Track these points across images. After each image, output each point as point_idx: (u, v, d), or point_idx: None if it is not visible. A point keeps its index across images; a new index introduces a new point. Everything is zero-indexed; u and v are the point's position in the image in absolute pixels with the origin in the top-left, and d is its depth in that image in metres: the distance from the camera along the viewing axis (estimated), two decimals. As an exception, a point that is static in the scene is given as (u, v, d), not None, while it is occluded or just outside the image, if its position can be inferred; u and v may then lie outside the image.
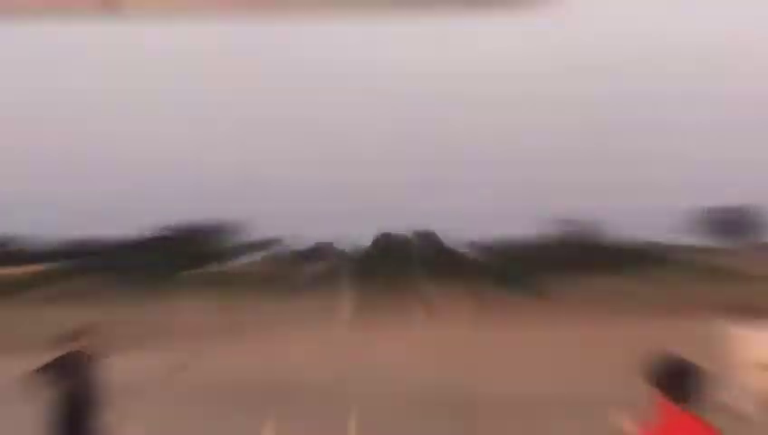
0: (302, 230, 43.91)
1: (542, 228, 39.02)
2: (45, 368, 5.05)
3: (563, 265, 30.64)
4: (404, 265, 35.74)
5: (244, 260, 41.23)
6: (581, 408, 8.72)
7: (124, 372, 7.21)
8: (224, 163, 60.45)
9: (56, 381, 4.98)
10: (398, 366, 13.23)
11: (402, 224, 47.35)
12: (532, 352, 15.17)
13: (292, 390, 10.67)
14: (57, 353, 5.22)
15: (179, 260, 35.96)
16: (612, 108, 55.83)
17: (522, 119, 57.68)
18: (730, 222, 43.01)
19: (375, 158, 57.52)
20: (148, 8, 1.61)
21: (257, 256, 41.92)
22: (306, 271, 36.77)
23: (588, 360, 13.07)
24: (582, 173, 49.21)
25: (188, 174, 56.43)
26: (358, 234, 42.49)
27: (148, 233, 41.71)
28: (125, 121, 61.40)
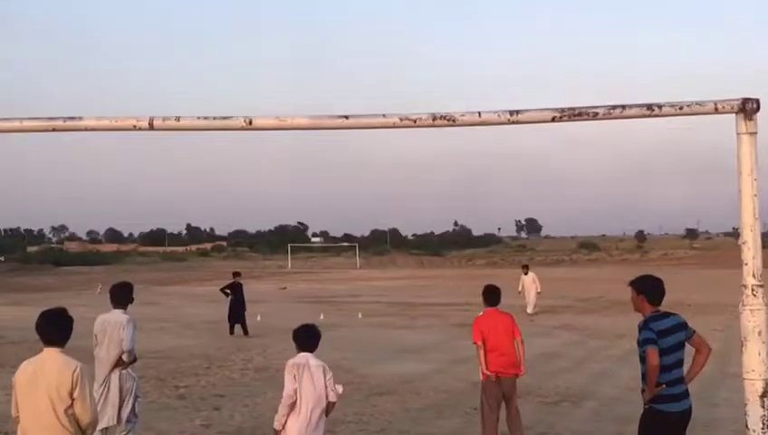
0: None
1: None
2: (225, 287, 23.65)
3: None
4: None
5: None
6: (454, 306, 28.29)
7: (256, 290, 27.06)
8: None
9: (228, 292, 23.41)
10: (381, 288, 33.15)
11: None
12: (438, 283, 37.80)
13: (332, 296, 30.75)
14: (228, 282, 23.85)
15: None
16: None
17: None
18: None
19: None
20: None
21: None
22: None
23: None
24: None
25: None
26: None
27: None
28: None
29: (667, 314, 5.95)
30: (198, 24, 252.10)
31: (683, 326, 5.94)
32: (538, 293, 25.70)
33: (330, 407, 6.10)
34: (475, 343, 8.50)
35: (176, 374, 13.75)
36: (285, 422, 6.01)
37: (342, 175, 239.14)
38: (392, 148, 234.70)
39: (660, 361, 5.72)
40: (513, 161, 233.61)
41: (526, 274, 26.25)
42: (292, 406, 5.98)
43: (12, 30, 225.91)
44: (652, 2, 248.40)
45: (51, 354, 4.84)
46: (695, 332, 6.00)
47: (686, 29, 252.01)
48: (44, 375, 4.76)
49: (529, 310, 24.94)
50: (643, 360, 5.82)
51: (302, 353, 6.13)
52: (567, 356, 15.99)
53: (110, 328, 7.41)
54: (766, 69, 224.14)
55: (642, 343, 5.81)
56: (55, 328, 4.91)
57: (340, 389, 6.16)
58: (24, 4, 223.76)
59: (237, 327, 20.34)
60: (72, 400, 4.73)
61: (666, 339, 5.78)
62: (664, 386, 5.74)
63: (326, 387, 6.01)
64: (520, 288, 25.79)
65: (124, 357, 7.39)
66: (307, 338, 6.20)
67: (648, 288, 6.02)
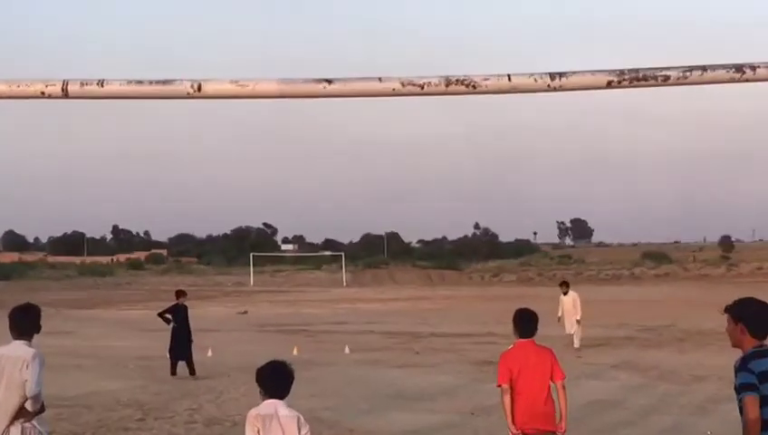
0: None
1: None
2: (165, 311, 23.72)
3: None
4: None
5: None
6: (474, 338, 28.41)
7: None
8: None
9: (169, 319, 23.56)
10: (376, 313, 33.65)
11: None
12: (453, 305, 39.53)
13: (309, 323, 31.12)
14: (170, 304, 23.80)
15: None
16: None
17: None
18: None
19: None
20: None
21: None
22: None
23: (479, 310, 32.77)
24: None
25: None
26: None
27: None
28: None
29: None
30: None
31: None
32: (577, 320, 25.62)
33: None
34: (499, 385, 8.50)
35: (98, 429, 13.75)
36: None
37: (324, 162, 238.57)
38: (392, 126, 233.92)
39: (763, 412, 5.69)
40: (555, 144, 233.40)
41: (566, 293, 26.22)
42: None
43: None
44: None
45: None
46: None
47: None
48: None
49: (576, 344, 24.92)
50: (742, 411, 5.79)
51: (270, 401, 6.15)
52: (627, 405, 16.01)
53: (9, 366, 7.38)
54: None
55: (739, 390, 5.78)
56: None
57: None
58: None
59: (181, 365, 20.33)
60: None
61: None
62: None
63: None
64: (560, 313, 25.78)
65: (28, 405, 7.36)
66: (276, 380, 6.21)
67: (751, 315, 5.97)
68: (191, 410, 15.53)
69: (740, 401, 5.75)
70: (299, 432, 6.05)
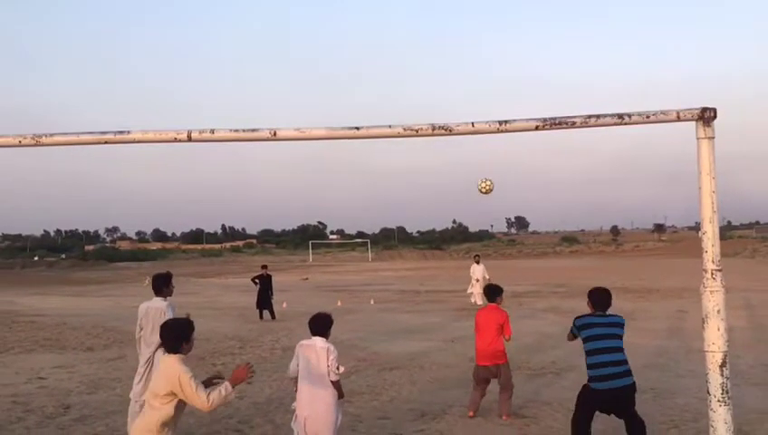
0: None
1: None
2: (255, 277, 23.84)
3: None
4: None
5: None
6: (453, 293, 28.31)
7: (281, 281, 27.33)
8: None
9: (257, 282, 23.58)
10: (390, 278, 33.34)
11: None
12: (440, 273, 39.55)
13: (348, 285, 30.87)
14: (257, 273, 24.05)
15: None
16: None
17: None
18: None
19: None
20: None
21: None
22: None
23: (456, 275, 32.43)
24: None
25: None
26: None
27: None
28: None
29: None
30: (228, 54, 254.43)
31: None
32: (485, 278, 22.13)
33: (334, 385, 5.91)
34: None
35: (213, 353, 13.80)
36: (296, 391, 5.98)
37: (356, 181, 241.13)
38: (399, 158, 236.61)
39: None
40: (504, 167, 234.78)
41: (478, 263, 23.29)
42: (296, 380, 5.93)
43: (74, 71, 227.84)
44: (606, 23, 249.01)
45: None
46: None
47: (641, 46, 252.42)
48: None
49: (479, 301, 21.36)
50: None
51: (314, 337, 6.02)
52: (553, 335, 15.94)
53: (152, 313, 7.38)
54: (722, 81, 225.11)
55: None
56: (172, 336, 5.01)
57: (341, 369, 5.95)
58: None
59: (266, 313, 20.38)
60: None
61: None
62: None
63: (328, 367, 5.87)
64: (471, 272, 23.37)
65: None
66: (318, 325, 6.07)
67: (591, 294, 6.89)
68: (273, 341, 15.56)
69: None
70: (327, 358, 5.87)
